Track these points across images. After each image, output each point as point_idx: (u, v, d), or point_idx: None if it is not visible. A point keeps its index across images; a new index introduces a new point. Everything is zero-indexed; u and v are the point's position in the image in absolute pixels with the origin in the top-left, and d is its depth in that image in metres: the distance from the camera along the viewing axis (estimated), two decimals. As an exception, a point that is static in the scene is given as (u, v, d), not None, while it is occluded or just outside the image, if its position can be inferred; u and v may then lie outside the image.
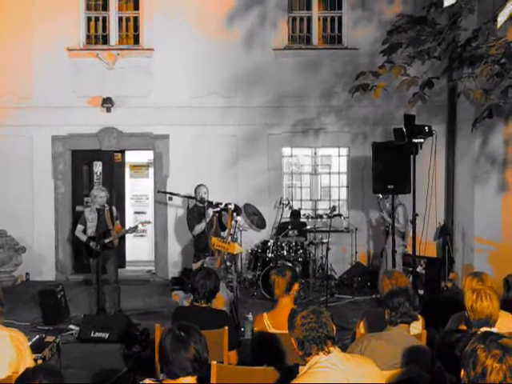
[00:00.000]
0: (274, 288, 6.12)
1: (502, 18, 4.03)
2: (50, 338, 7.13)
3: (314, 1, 14.35)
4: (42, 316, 10.36)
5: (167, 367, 3.76)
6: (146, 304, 11.91)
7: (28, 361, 4.93)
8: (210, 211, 10.66)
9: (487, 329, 4.79)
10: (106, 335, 9.23)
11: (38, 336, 7.12)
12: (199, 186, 11.00)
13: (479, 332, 3.83)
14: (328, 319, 4.04)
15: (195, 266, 10.58)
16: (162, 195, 13.15)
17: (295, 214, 13.50)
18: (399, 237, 11.27)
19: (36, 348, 6.43)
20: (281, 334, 5.61)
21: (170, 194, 12.31)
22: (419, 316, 5.72)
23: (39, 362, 6.21)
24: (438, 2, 8.69)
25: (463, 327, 5.34)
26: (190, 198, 11.22)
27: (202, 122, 13.95)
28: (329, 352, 3.96)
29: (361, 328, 6.19)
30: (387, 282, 6.19)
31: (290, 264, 11.98)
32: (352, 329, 7.73)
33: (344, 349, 4.34)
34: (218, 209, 10.65)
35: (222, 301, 7.83)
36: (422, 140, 9.74)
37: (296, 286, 6.18)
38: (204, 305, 6.23)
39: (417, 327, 5.73)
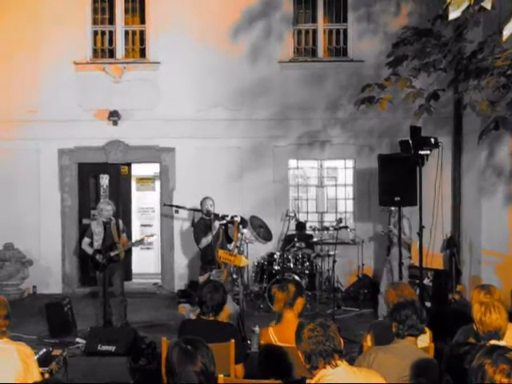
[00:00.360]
0: (275, 302, 6.13)
1: (507, 32, 4.03)
2: (56, 352, 7.14)
3: (320, 13, 14.39)
4: (49, 329, 10.37)
5: (174, 380, 3.76)
6: (152, 317, 11.88)
7: (35, 375, 4.95)
8: (217, 224, 10.65)
9: (496, 341, 4.78)
10: (112, 348, 9.20)
11: (44, 349, 7.12)
12: (205, 198, 11.00)
13: (487, 345, 3.81)
14: (335, 332, 4.03)
15: (202, 278, 10.56)
16: (168, 208, 13.15)
17: (301, 225, 13.49)
18: (405, 249, 11.23)
19: (43, 362, 6.43)
20: (287, 347, 5.61)
21: (176, 206, 12.32)
22: (426, 329, 5.70)
23: (46, 375, 6.22)
24: (444, 15, 8.70)
25: (471, 340, 5.32)
26: (196, 210, 11.24)
27: (207, 134, 13.97)
28: (336, 365, 3.96)
29: (368, 341, 6.17)
30: (393, 293, 6.18)
31: (296, 277, 11.97)
32: (359, 341, 7.72)
33: (351, 362, 4.33)
34: (224, 221, 10.65)
35: (227, 313, 7.81)
36: (428, 152, 9.72)
37: (300, 301, 6.16)
38: (211, 318, 6.22)
39: (424, 340, 5.71)
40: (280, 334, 5.91)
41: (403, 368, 4.83)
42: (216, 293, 6.25)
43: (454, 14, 3.77)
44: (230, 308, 8.28)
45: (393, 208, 11.43)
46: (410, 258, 11.65)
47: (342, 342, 4.06)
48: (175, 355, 3.75)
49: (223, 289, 6.45)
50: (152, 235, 11.89)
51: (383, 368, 4.63)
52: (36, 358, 5.24)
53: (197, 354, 3.73)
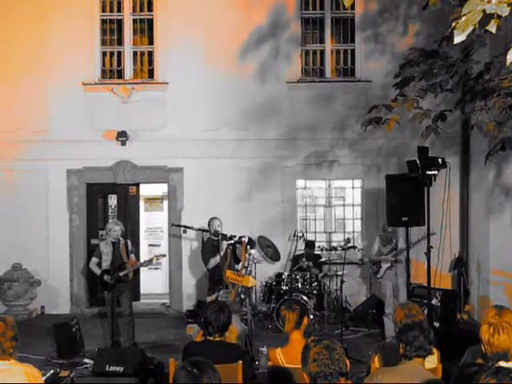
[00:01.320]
0: (285, 323, 6.12)
1: (510, 56, 4.06)
2: (64, 373, 7.16)
3: (327, 34, 14.45)
4: (57, 349, 10.34)
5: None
6: (160, 337, 11.87)
7: (42, 396, 4.95)
8: (224, 244, 10.66)
9: (504, 363, 4.76)
10: (120, 369, 9.18)
11: (52, 371, 7.12)
12: (213, 218, 11.02)
13: (495, 366, 3.80)
14: (341, 355, 4.03)
15: (209, 298, 10.54)
16: (176, 228, 13.15)
17: (309, 244, 13.49)
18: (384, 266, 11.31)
19: (50, 383, 6.43)
20: (294, 368, 5.60)
21: (184, 227, 12.31)
22: (434, 350, 5.68)
23: (54, 397, 6.24)
24: (450, 36, 8.74)
25: (480, 361, 5.30)
26: (203, 231, 11.23)
27: (215, 154, 14.01)
28: (342, 387, 3.97)
29: (375, 362, 6.15)
30: (401, 312, 6.17)
31: (304, 297, 11.95)
32: (367, 362, 7.70)
33: (357, 381, 4.32)
34: (232, 242, 10.67)
35: (235, 334, 7.80)
36: (435, 172, 9.73)
37: (306, 321, 6.18)
38: (218, 338, 6.22)
39: (432, 361, 5.69)
40: (287, 355, 5.90)
41: (410, 389, 4.81)
42: (221, 313, 6.25)
43: (458, 38, 3.80)
44: (238, 328, 8.26)
45: (390, 229, 11.46)
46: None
47: (348, 364, 4.06)
48: (181, 378, 3.76)
49: (228, 309, 6.46)
50: (163, 255, 11.90)
51: (391, 389, 4.63)
52: (43, 379, 5.24)
53: (203, 377, 3.73)
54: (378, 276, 11.60)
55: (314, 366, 4.00)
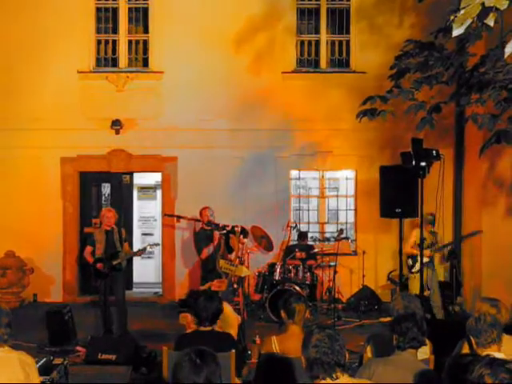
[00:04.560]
0: (296, 316, 6.08)
1: (509, 49, 4.07)
2: (57, 360, 7.14)
3: (322, 25, 14.45)
4: (49, 337, 10.31)
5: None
6: (152, 326, 11.88)
7: (35, 384, 4.95)
8: (217, 234, 10.67)
9: (496, 353, 4.78)
10: (113, 357, 9.18)
11: (45, 358, 7.12)
12: (204, 208, 11.01)
13: (487, 357, 3.82)
14: (342, 347, 4.05)
15: (202, 288, 10.57)
16: (169, 217, 13.16)
17: (303, 235, 13.51)
18: None
19: (44, 370, 6.43)
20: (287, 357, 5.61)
21: (177, 217, 12.25)
22: (427, 341, 5.71)
23: (47, 384, 6.23)
24: (446, 28, 8.75)
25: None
26: (196, 220, 11.23)
27: (210, 144, 14.01)
28: (336, 378, 3.98)
29: (368, 352, 6.17)
30: (400, 301, 6.19)
31: (297, 287, 11.96)
32: (359, 352, 7.74)
33: (351, 372, 4.34)
34: (225, 231, 10.67)
35: (235, 321, 7.79)
36: (429, 163, 9.74)
37: (307, 314, 6.21)
38: (209, 328, 6.23)
39: (424, 352, 5.72)
40: (282, 344, 5.90)
41: (404, 380, 4.83)
42: (211, 302, 6.27)
43: (457, 31, 3.80)
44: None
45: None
46: None
47: (347, 356, 4.08)
48: (184, 366, 3.73)
49: (219, 298, 6.48)
50: (157, 244, 11.90)
51: (384, 380, 4.65)
52: (37, 366, 5.24)
53: (203, 367, 3.72)
54: (413, 270, 11.54)
55: (314, 352, 4.02)
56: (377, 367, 4.93)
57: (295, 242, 13.53)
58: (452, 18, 3.86)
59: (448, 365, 5.00)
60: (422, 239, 10.16)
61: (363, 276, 13.73)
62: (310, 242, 13.80)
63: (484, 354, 4.66)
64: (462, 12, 3.73)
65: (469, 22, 3.75)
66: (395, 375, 4.84)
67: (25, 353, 5.07)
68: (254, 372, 6.04)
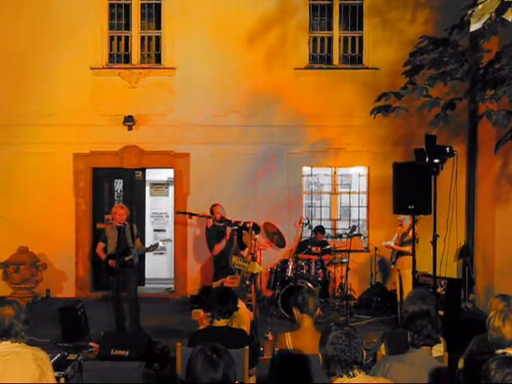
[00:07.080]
0: (308, 306, 6.02)
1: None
2: (72, 356, 7.15)
3: (335, 21, 14.42)
4: (62, 333, 10.35)
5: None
6: (164, 322, 11.90)
7: (50, 380, 4.95)
8: (229, 230, 10.68)
9: (509, 350, 4.77)
10: (126, 353, 9.22)
11: (59, 354, 7.13)
12: (215, 205, 11.03)
13: (506, 355, 3.80)
14: (359, 345, 4.04)
15: (215, 284, 10.58)
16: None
17: (319, 229, 13.47)
18: None
19: (58, 366, 6.43)
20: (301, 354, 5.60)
21: (189, 214, 12.24)
22: (441, 338, 5.69)
23: (62, 380, 6.24)
24: (461, 24, 8.71)
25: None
26: (207, 217, 11.22)
27: (222, 140, 14.01)
28: (353, 375, 3.97)
29: (382, 350, 6.16)
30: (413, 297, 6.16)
31: (309, 284, 11.94)
32: (371, 349, 7.72)
33: (364, 369, 4.32)
34: (237, 227, 10.67)
35: (247, 318, 7.78)
36: (443, 160, 9.69)
37: (318, 311, 6.19)
38: (223, 323, 6.23)
39: (439, 349, 5.69)
40: (296, 340, 5.88)
41: (418, 377, 4.81)
42: (226, 298, 6.27)
43: (475, 26, 3.77)
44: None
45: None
46: None
47: (364, 354, 4.07)
48: (199, 361, 3.72)
49: (234, 294, 6.48)
50: (169, 240, 11.91)
51: (399, 377, 4.63)
52: (51, 362, 5.25)
53: (220, 363, 3.71)
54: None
55: (331, 349, 4.01)
56: (391, 365, 4.90)
57: (307, 238, 13.51)
58: (469, 12, 3.83)
59: (465, 362, 4.98)
60: (436, 236, 10.08)
61: (375, 273, 13.70)
62: (324, 239, 13.76)
63: (500, 352, 4.64)
64: (480, 7, 3.71)
65: (487, 16, 3.71)
66: (410, 373, 4.82)
67: (39, 349, 5.07)
68: (268, 368, 6.01)
